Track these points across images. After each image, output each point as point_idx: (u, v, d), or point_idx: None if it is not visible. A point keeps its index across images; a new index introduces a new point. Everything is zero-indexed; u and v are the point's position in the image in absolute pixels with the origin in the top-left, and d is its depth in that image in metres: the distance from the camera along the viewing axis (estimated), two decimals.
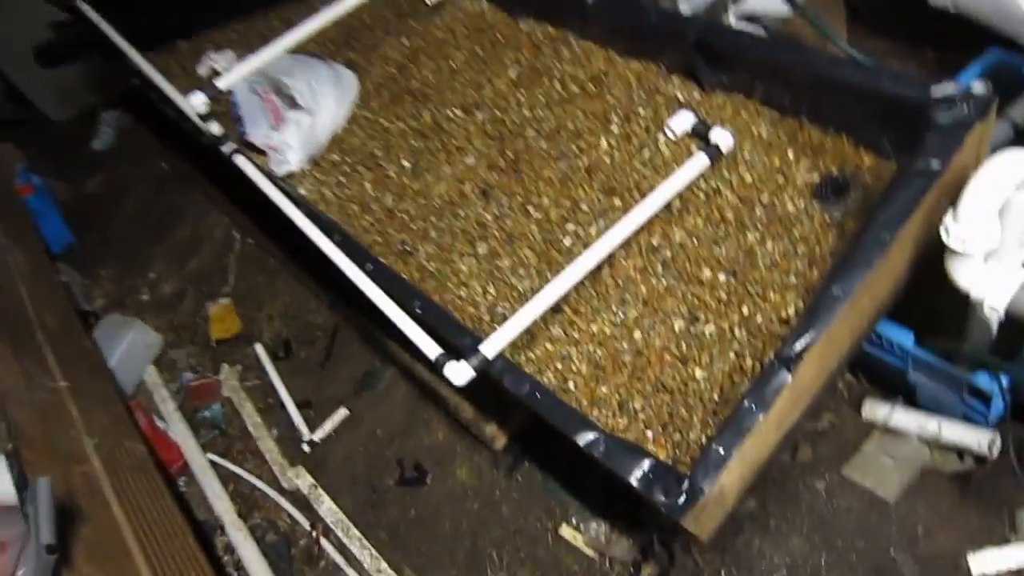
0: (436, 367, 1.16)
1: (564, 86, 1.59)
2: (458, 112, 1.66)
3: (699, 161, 1.31)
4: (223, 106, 1.83)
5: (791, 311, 1.15)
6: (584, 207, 1.39)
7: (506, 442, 1.59)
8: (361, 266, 1.35)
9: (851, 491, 1.36)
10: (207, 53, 2.18)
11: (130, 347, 2.19)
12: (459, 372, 1.14)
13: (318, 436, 1.83)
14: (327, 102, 1.76)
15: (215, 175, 2.40)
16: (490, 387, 1.18)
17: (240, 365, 2.10)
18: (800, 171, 1.29)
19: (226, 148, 1.65)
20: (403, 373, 1.85)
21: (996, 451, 1.32)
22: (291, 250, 2.19)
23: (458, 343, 1.22)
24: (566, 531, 1.50)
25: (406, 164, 1.64)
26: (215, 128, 1.64)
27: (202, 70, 2.16)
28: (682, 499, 0.97)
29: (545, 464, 1.59)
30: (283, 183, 1.69)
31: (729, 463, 0.98)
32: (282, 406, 1.94)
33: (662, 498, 0.98)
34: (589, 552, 1.46)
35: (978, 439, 1.33)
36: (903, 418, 1.40)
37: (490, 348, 1.16)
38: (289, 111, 1.80)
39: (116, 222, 2.79)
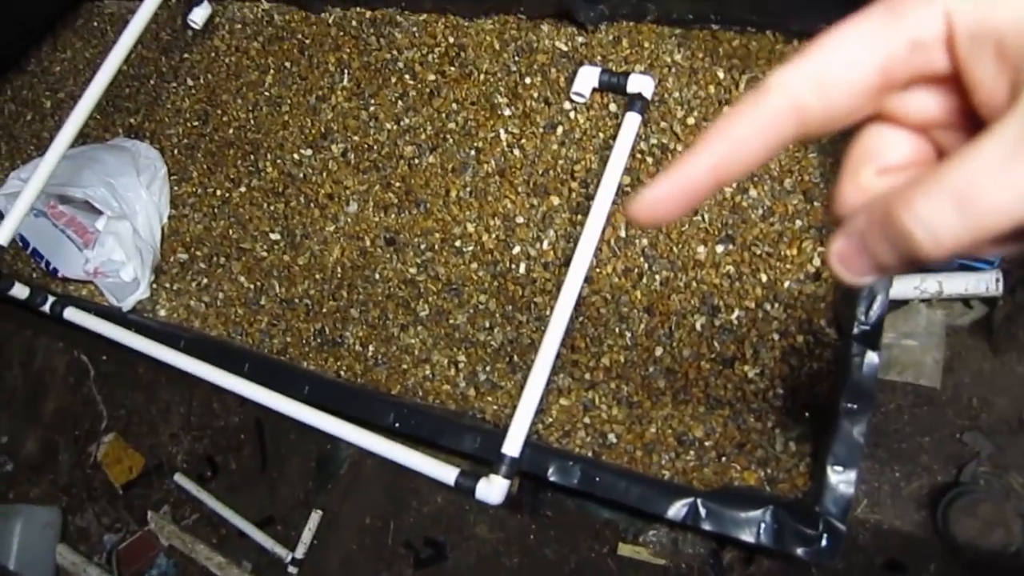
0: (460, 491, 0.96)
1: (417, 78, 1.31)
2: (306, 152, 1.36)
3: (631, 121, 1.10)
4: (11, 249, 1.44)
5: (817, 263, 1.00)
6: (520, 219, 1.17)
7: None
8: (293, 392, 1.09)
9: (896, 392, 1.27)
10: None
11: (25, 538, 1.82)
12: (494, 490, 0.93)
13: (300, 552, 1.58)
14: (137, 194, 1.40)
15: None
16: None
17: (166, 505, 1.79)
18: (742, 90, 1.11)
19: (47, 307, 1.30)
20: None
21: (1002, 287, 1.27)
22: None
23: (465, 448, 1.01)
24: (625, 549, 1.35)
25: (275, 236, 1.34)
26: (21, 291, 1.27)
27: None
28: (825, 542, 0.83)
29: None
30: (137, 317, 1.36)
31: (855, 480, 0.84)
32: (241, 534, 1.66)
33: (802, 550, 0.84)
34: (659, 561, 1.33)
35: (984, 281, 1.27)
36: (899, 287, 1.31)
37: (513, 445, 0.95)
38: (98, 220, 1.44)
39: None
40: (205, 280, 1.38)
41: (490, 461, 0.96)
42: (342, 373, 1.22)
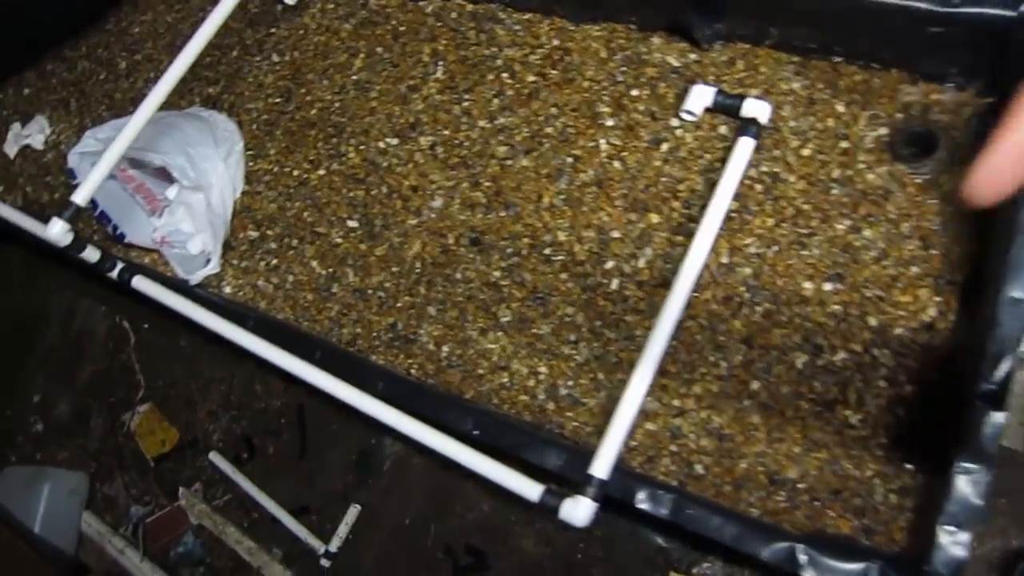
0: (543, 510, 0.92)
1: (516, 77, 1.28)
2: (392, 141, 1.33)
3: (744, 146, 1.07)
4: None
5: (932, 312, 0.96)
6: (616, 234, 1.13)
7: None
8: (366, 385, 1.06)
9: None
10: (11, 126, 1.70)
11: (51, 502, 1.80)
12: (580, 511, 0.90)
13: (335, 546, 1.55)
14: (214, 166, 1.38)
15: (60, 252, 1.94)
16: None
17: (198, 482, 1.76)
18: (862, 126, 1.07)
19: (115, 273, 1.27)
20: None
21: None
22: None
23: (548, 464, 0.98)
24: None
25: (353, 224, 1.31)
26: (92, 255, 1.24)
27: (11, 149, 1.69)
28: None
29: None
30: (202, 291, 1.33)
31: (968, 543, 0.81)
32: (273, 520, 1.63)
33: None
34: None
35: None
36: None
37: (602, 466, 0.92)
38: (169, 189, 1.41)
39: None
40: (275, 261, 1.35)
41: (565, 479, 0.93)
42: (413, 371, 1.19)
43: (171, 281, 1.31)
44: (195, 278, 1.32)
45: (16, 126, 1.68)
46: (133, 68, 1.64)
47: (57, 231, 1.15)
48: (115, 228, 1.40)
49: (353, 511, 1.57)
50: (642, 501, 0.92)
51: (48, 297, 2.14)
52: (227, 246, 1.39)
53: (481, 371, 1.14)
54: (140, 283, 1.24)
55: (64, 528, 1.78)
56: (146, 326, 1.98)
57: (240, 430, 1.77)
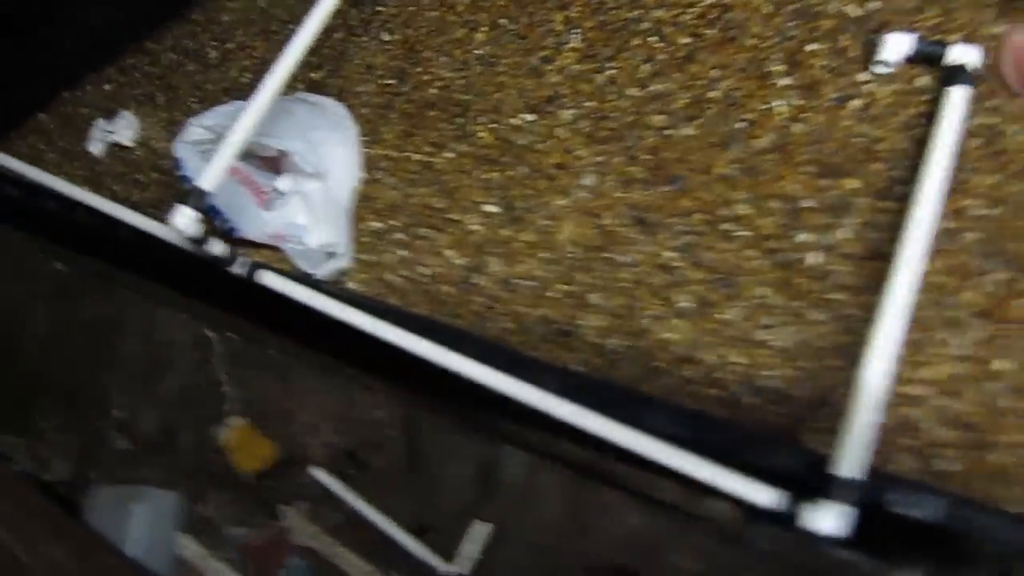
0: (778, 521, 0.80)
1: (666, 40, 1.16)
2: (528, 116, 1.21)
3: (958, 95, 0.94)
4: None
5: None
6: (807, 203, 1.01)
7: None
8: (539, 385, 0.94)
9: None
10: (95, 123, 1.60)
11: (142, 523, 1.69)
12: (831, 518, 0.77)
13: (464, 567, 1.43)
14: (333, 152, 1.27)
15: (146, 263, 1.84)
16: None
17: (301, 500, 1.64)
18: None
19: (238, 267, 1.16)
20: (539, 454, 1.44)
21: None
22: (300, 334, 1.70)
23: (777, 465, 0.85)
24: None
25: (492, 209, 1.19)
26: (218, 248, 1.13)
27: (95, 147, 1.59)
28: None
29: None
30: (332, 288, 1.22)
31: None
32: (389, 539, 1.51)
33: None
34: None
35: None
36: None
37: (851, 464, 0.79)
38: (278, 180, 1.30)
39: (27, 355, 2.17)
40: (404, 253, 1.23)
41: (791, 480, 0.80)
42: (578, 367, 1.06)
43: (299, 277, 1.20)
44: (322, 273, 1.21)
45: (100, 123, 1.58)
46: (224, 57, 1.54)
47: (186, 220, 1.04)
48: (226, 222, 1.29)
49: (480, 529, 1.44)
50: (903, 505, 0.79)
51: (125, 308, 2.04)
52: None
53: (660, 364, 1.02)
54: (268, 279, 1.13)
55: (158, 550, 1.68)
56: (232, 335, 1.88)
57: (342, 443, 1.66)
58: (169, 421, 1.88)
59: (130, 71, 1.65)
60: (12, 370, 2.17)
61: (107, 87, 1.67)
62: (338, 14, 1.42)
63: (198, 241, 1.09)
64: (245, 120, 1.09)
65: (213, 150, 1.27)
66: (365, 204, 1.29)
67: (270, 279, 1.14)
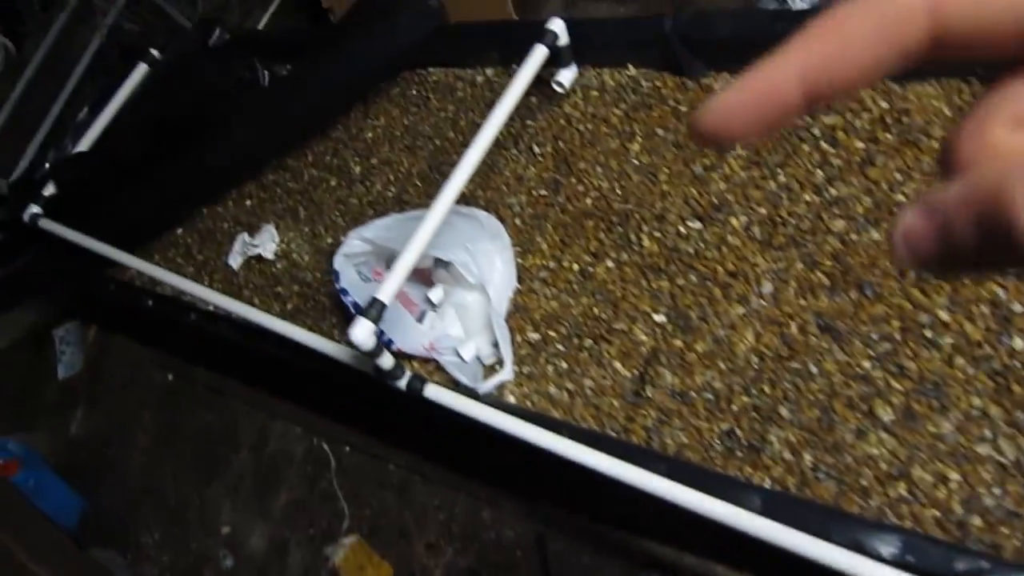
0: None
1: (839, 146, 1.15)
2: (695, 224, 1.20)
3: None
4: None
5: None
6: (1018, 308, 0.95)
7: None
8: (739, 500, 0.88)
9: None
10: (238, 238, 1.63)
11: None
12: None
13: None
14: (492, 262, 1.26)
15: (258, 373, 1.84)
16: None
17: None
18: None
19: (403, 382, 1.13)
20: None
21: None
22: (423, 448, 1.65)
23: None
24: None
25: (660, 318, 1.16)
26: (387, 362, 1.11)
27: (235, 261, 1.61)
28: None
29: None
30: (489, 399, 1.19)
31: None
32: None
33: None
34: None
35: None
36: None
37: None
38: (431, 291, 1.29)
39: (133, 464, 2.16)
40: (565, 364, 1.20)
41: None
42: (767, 486, 1.00)
43: (464, 390, 1.17)
44: (485, 387, 1.17)
45: (243, 237, 1.61)
46: (369, 172, 1.57)
47: (364, 333, 1.03)
48: (381, 333, 1.27)
49: None
50: None
51: (237, 419, 2.03)
52: None
53: (866, 481, 0.95)
54: (435, 393, 1.10)
55: None
56: (348, 448, 1.84)
57: (467, 564, 1.58)
58: (280, 538, 1.82)
59: (271, 187, 1.70)
60: (117, 482, 2.15)
61: (248, 203, 1.71)
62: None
63: (371, 354, 1.07)
64: (422, 233, 1.09)
65: (368, 263, 1.28)
66: (522, 315, 1.27)
67: (435, 393, 1.11)
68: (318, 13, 2.43)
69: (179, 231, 1.80)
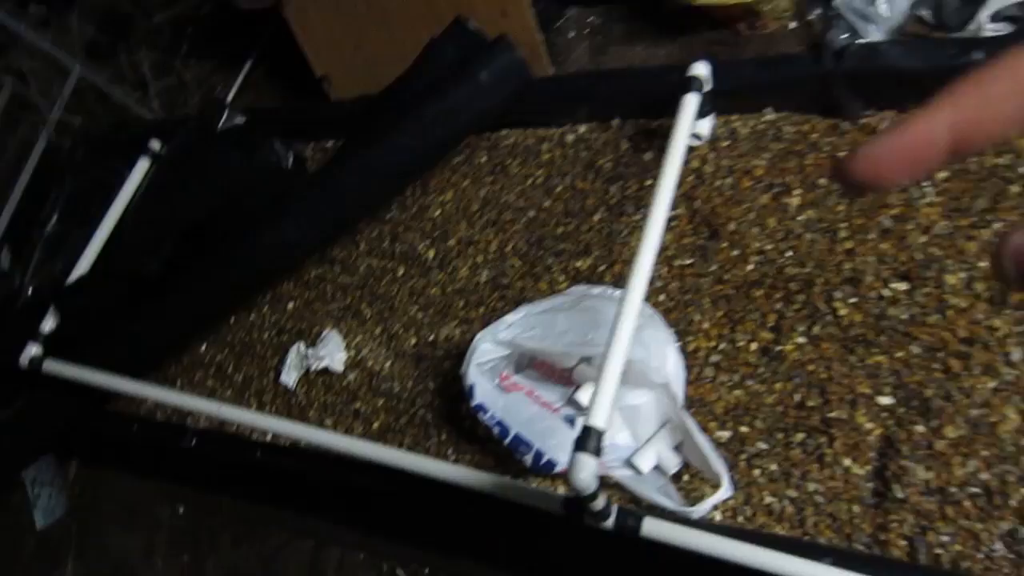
0: None
1: None
2: (900, 285, 1.03)
3: None
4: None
5: None
6: None
7: None
8: None
9: None
10: (293, 350, 1.37)
11: None
12: None
13: None
14: (665, 353, 1.06)
15: (310, 498, 1.57)
16: None
17: None
18: None
19: (611, 521, 0.91)
20: None
21: None
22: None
23: None
24: None
25: (886, 400, 0.98)
26: (600, 502, 0.88)
27: (290, 377, 1.36)
28: None
29: None
30: (717, 525, 0.98)
31: None
32: None
33: None
34: None
35: None
36: None
37: None
38: (577, 392, 1.09)
39: None
40: (775, 466, 1.00)
41: None
42: None
43: (684, 520, 0.96)
44: (700, 510, 0.96)
45: (298, 347, 1.35)
46: (447, 256, 1.35)
47: (589, 473, 0.81)
48: (537, 456, 1.05)
49: None
50: None
51: (279, 552, 1.73)
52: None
53: None
54: (655, 530, 0.89)
55: None
56: (426, 571, 1.58)
57: None
58: None
59: (316, 284, 1.45)
60: None
61: (290, 305, 1.46)
62: (588, 194, 1.26)
63: (590, 497, 0.84)
64: (622, 330, 0.88)
65: (496, 368, 1.07)
66: (699, 409, 1.07)
67: (656, 529, 0.89)
68: (305, 86, 2.09)
69: (202, 347, 1.52)
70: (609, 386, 0.85)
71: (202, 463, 1.47)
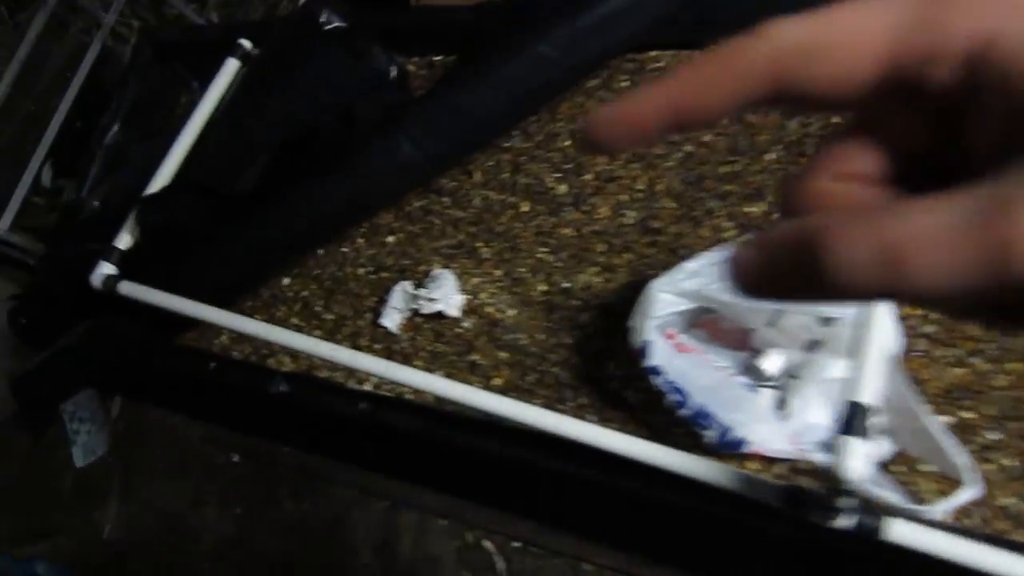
0: None
1: None
2: None
3: None
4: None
5: None
6: None
7: None
8: None
9: None
10: (396, 289, 1.21)
11: None
12: None
13: None
14: (868, 316, 0.89)
15: (385, 453, 1.42)
16: None
17: None
18: None
19: (852, 519, 0.75)
20: None
21: None
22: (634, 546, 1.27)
23: None
24: None
25: None
26: (851, 501, 0.71)
27: (392, 320, 1.20)
28: None
29: None
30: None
31: None
32: None
33: None
34: None
35: None
36: None
37: None
38: (762, 359, 0.92)
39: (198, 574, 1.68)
40: (1015, 462, 0.84)
41: None
42: None
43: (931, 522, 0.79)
44: (941, 510, 0.80)
45: (403, 287, 1.18)
46: (582, 192, 1.17)
47: (862, 463, 0.64)
48: (723, 433, 0.88)
49: None
50: None
51: (347, 510, 1.58)
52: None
53: None
54: (903, 535, 0.72)
55: None
56: (517, 544, 1.43)
57: None
58: None
59: (420, 218, 1.28)
60: None
61: (390, 239, 1.28)
62: (765, 126, 1.08)
63: (845, 491, 0.68)
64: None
65: (668, 324, 0.90)
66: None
67: (903, 534, 0.73)
68: None
69: (285, 281, 1.35)
70: (877, 351, 0.68)
71: (283, 411, 1.31)
